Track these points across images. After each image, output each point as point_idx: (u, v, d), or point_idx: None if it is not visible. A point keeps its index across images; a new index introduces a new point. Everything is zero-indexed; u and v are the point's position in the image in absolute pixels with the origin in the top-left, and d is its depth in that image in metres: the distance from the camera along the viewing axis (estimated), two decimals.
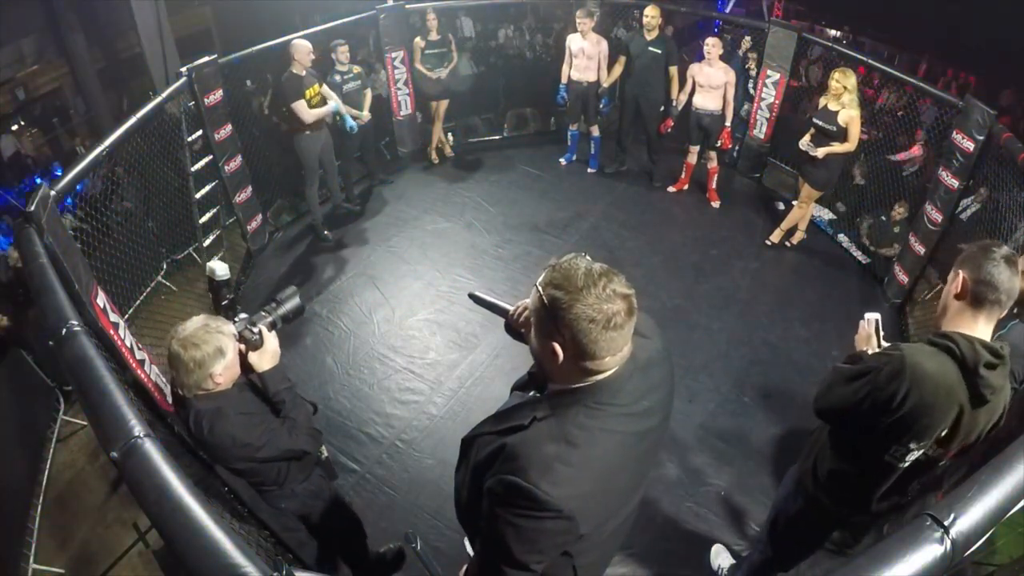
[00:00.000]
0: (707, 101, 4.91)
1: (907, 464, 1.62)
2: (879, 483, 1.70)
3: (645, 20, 5.02)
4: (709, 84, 4.83)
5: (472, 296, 1.59)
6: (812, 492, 1.87)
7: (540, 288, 1.09)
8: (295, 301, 1.96)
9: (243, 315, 1.88)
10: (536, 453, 1.07)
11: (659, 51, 5.04)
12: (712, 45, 4.75)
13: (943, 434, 1.54)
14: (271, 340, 1.88)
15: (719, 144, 5.07)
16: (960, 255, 1.59)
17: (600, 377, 1.12)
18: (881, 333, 1.85)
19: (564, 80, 5.42)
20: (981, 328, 1.52)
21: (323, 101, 4.46)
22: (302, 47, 4.28)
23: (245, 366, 1.85)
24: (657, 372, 1.23)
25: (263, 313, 1.91)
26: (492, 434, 1.18)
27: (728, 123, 4.96)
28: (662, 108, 5.30)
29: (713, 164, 5.24)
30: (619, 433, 1.14)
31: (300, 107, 4.29)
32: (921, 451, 1.58)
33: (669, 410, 1.29)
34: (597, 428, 1.10)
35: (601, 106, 5.55)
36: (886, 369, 1.51)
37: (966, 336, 1.49)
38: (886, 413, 1.52)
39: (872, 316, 1.86)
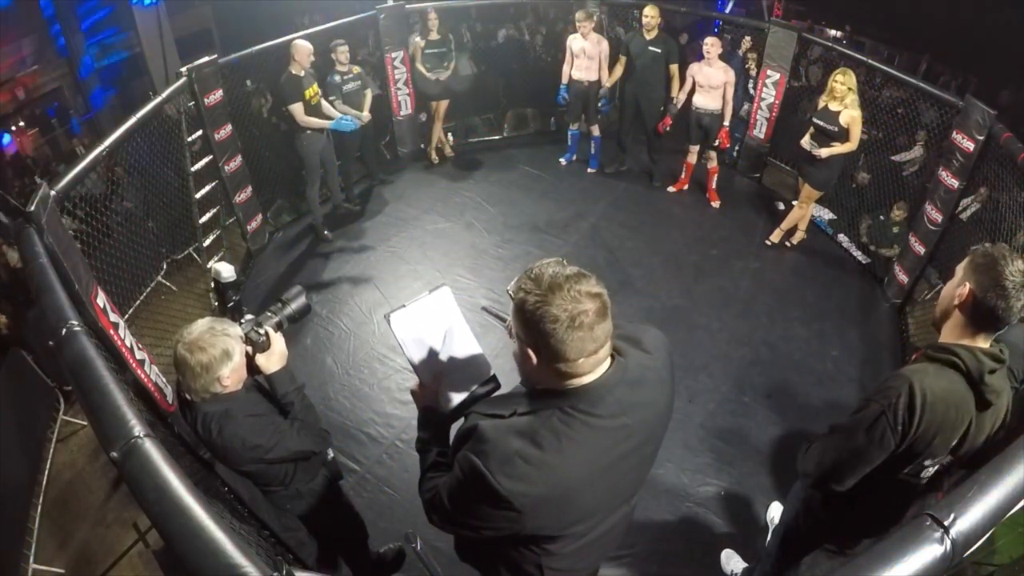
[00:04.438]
0: (707, 101, 4.91)
1: (925, 481, 1.61)
2: (898, 502, 1.68)
3: (644, 20, 5.03)
4: (709, 84, 4.83)
5: (484, 309, 1.63)
6: (822, 515, 1.83)
7: (511, 292, 1.11)
8: (301, 301, 1.93)
9: (249, 316, 1.86)
10: (502, 443, 1.10)
11: (659, 50, 5.04)
12: (711, 45, 4.75)
13: (954, 444, 1.53)
14: (278, 341, 1.85)
15: (717, 143, 5.07)
16: (971, 259, 1.48)
17: (581, 382, 1.12)
18: None
19: (565, 80, 5.42)
20: (980, 341, 1.49)
21: (320, 101, 4.48)
22: (303, 48, 4.27)
23: (252, 368, 1.83)
24: (648, 392, 1.20)
25: (269, 314, 1.88)
26: (479, 414, 1.22)
27: (727, 122, 4.96)
28: (662, 108, 5.30)
29: (713, 164, 5.24)
30: (589, 449, 1.13)
31: (297, 110, 4.29)
32: (936, 465, 1.58)
33: (655, 434, 1.27)
34: (567, 437, 1.10)
35: (600, 105, 5.55)
36: (900, 403, 1.46)
37: (967, 347, 1.47)
38: (903, 441, 1.50)
39: None
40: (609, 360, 1.15)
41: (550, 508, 1.13)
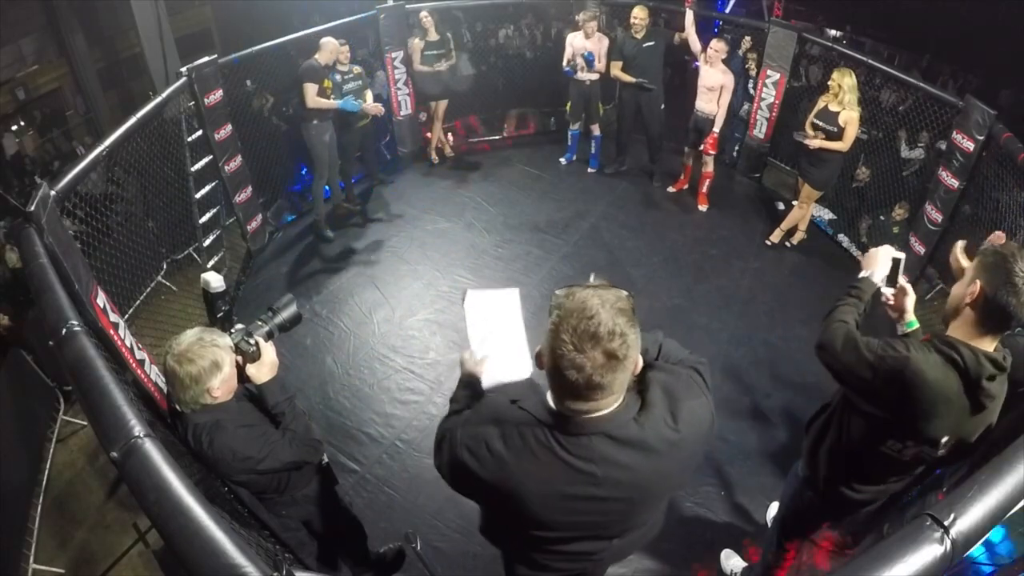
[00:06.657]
0: (704, 104, 4.89)
1: (907, 458, 1.65)
2: (882, 470, 1.75)
3: (633, 22, 5.00)
4: (704, 84, 4.81)
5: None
6: (817, 481, 1.90)
7: (553, 302, 1.10)
8: (292, 309, 1.92)
9: (239, 326, 1.84)
10: (483, 424, 1.22)
11: (653, 43, 5.04)
12: (716, 50, 4.70)
13: (937, 437, 1.56)
14: (268, 351, 1.84)
15: (701, 147, 5.02)
16: (981, 259, 1.50)
17: (572, 409, 1.11)
18: (899, 273, 1.81)
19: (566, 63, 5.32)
20: (987, 342, 1.51)
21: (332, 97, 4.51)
22: (331, 45, 4.40)
23: (243, 378, 1.81)
24: (636, 458, 1.14)
25: (259, 323, 1.86)
26: (501, 393, 1.32)
27: (716, 128, 4.89)
28: (662, 106, 5.29)
29: (708, 168, 5.19)
30: (546, 471, 1.15)
31: (310, 89, 4.33)
32: (917, 449, 1.61)
33: (633, 498, 1.21)
34: (530, 450, 1.15)
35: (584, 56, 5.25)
36: (887, 363, 1.51)
37: (971, 348, 1.49)
38: (883, 408, 1.56)
39: (898, 255, 1.82)
40: (619, 404, 1.13)
41: (496, 496, 1.21)
